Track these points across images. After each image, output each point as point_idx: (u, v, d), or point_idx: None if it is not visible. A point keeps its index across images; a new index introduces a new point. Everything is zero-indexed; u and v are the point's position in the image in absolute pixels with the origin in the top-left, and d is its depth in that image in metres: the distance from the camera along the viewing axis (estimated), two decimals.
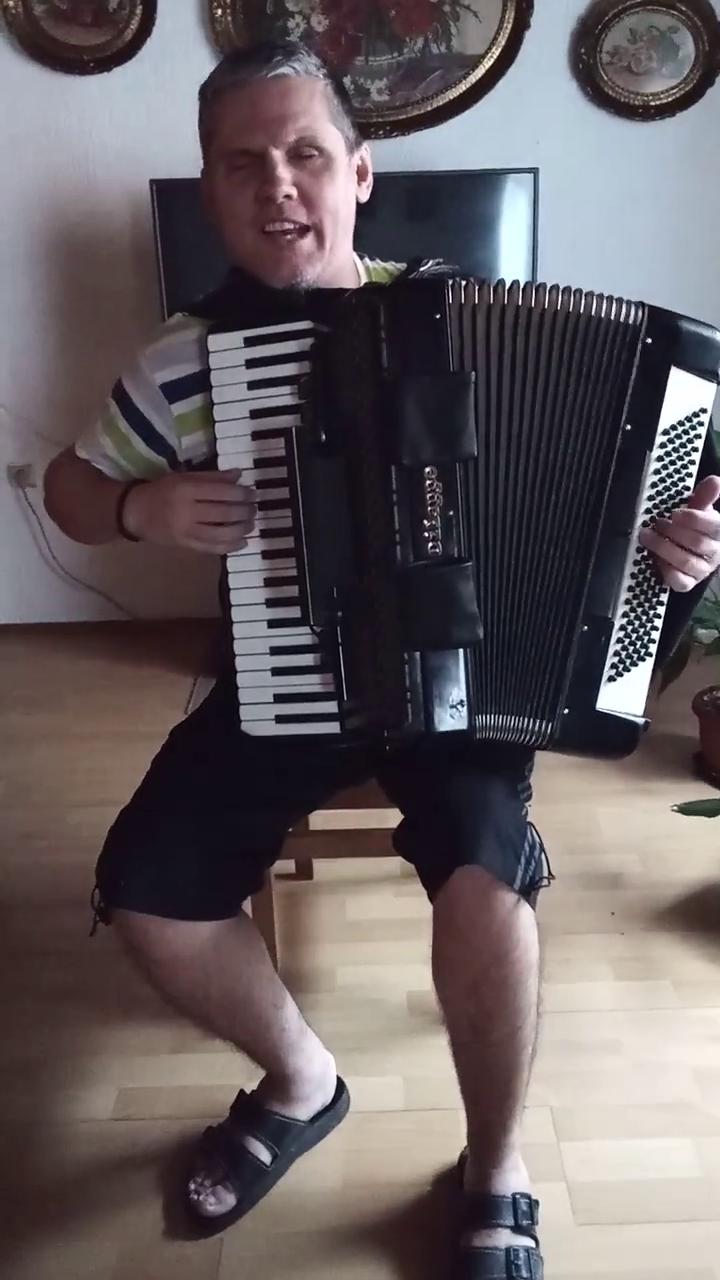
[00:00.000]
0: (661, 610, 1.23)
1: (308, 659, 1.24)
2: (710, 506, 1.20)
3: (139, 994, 1.44)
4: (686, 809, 2.04)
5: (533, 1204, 1.39)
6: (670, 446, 1.20)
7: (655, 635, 1.23)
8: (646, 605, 1.22)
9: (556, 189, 2.81)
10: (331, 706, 1.23)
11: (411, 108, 2.86)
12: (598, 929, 2.00)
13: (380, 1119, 1.60)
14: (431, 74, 2.84)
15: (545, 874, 1.26)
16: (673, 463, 1.20)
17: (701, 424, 1.21)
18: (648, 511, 1.20)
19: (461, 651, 1.19)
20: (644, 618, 1.23)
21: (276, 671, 1.26)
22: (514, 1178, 1.40)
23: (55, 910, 2.05)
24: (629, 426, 1.18)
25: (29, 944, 2.00)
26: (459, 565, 1.17)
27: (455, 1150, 1.50)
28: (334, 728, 1.23)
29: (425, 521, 1.16)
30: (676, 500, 1.21)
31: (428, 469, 1.16)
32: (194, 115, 1.30)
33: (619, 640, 1.22)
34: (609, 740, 1.24)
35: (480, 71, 2.83)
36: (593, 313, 1.17)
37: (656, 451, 1.19)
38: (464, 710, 1.19)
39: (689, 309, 1.22)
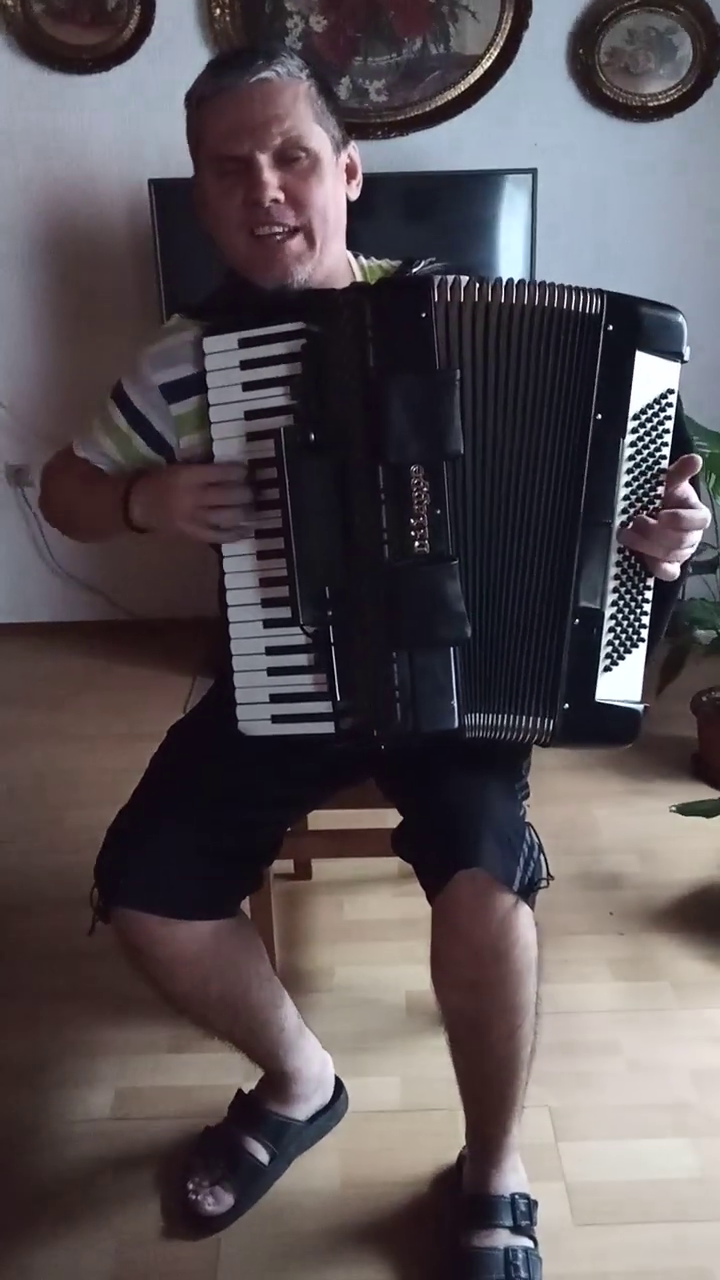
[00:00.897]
0: (649, 594, 1.23)
1: (302, 659, 1.24)
2: (686, 484, 1.21)
3: (137, 994, 1.44)
4: (685, 809, 2.04)
5: (531, 1204, 1.39)
6: (642, 431, 1.20)
7: (645, 620, 1.23)
8: (634, 592, 1.22)
9: (555, 189, 2.81)
10: (326, 706, 1.23)
11: (410, 108, 2.86)
12: (596, 929, 2.00)
13: (378, 1119, 1.60)
14: (430, 75, 2.84)
15: (544, 874, 1.26)
16: (645, 446, 1.20)
17: (670, 404, 1.21)
18: (626, 499, 1.20)
19: (450, 650, 1.19)
20: (633, 604, 1.23)
21: (272, 671, 1.26)
22: (512, 1178, 1.41)
23: (53, 910, 2.05)
24: (600, 416, 1.18)
25: (27, 943, 2.00)
26: (446, 564, 1.17)
27: (454, 1150, 1.49)
28: (328, 728, 1.24)
29: (412, 520, 1.17)
30: (653, 483, 1.21)
31: (414, 467, 1.16)
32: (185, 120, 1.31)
33: (610, 630, 1.22)
34: (612, 730, 1.24)
35: (479, 72, 2.83)
36: (555, 305, 1.18)
37: (629, 438, 1.19)
38: (453, 709, 1.19)
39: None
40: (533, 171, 2.74)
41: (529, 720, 1.23)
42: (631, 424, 1.19)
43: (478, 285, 1.17)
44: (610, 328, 1.17)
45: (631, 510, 1.20)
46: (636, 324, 1.18)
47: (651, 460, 1.21)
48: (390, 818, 1.36)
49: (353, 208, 1.34)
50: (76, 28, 2.79)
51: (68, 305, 3.06)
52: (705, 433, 2.41)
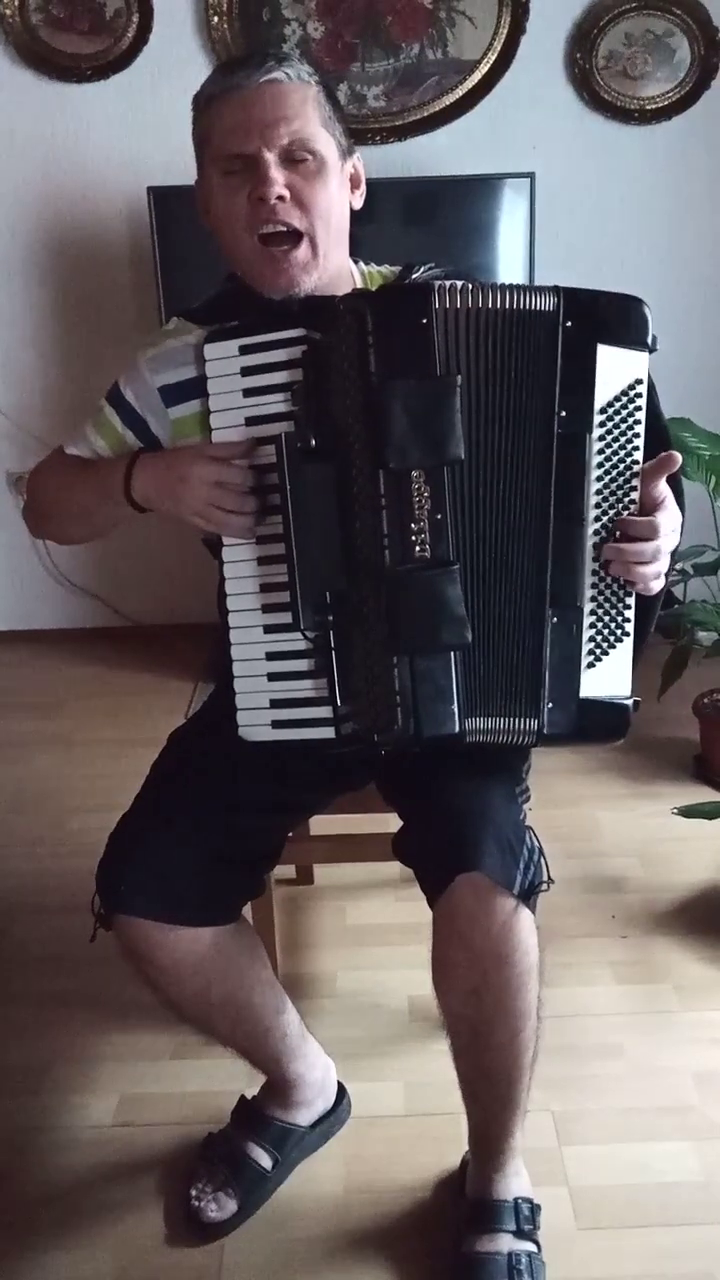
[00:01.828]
0: (631, 588, 1.24)
1: (303, 664, 1.24)
2: (662, 484, 1.21)
3: (139, 1000, 1.44)
4: (687, 812, 2.04)
5: (534, 1209, 1.39)
6: (610, 425, 1.20)
7: (629, 614, 1.23)
8: (614, 586, 1.22)
9: (553, 193, 2.82)
10: (326, 712, 1.23)
11: (408, 113, 2.87)
12: (598, 933, 1.99)
13: (381, 1124, 1.60)
14: (428, 80, 2.84)
15: (545, 878, 1.26)
16: (615, 439, 1.20)
17: (640, 395, 1.20)
18: (599, 493, 1.20)
19: (451, 654, 1.19)
20: (614, 599, 1.23)
21: (273, 677, 1.26)
22: (516, 1182, 1.40)
23: (55, 916, 2.05)
24: (564, 413, 1.18)
25: (29, 949, 2.00)
26: (446, 568, 1.17)
27: (456, 1155, 1.49)
28: (329, 733, 1.24)
29: (413, 525, 1.17)
30: (627, 477, 1.21)
31: (415, 473, 1.16)
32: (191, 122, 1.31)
33: (592, 626, 1.22)
34: (600, 726, 1.24)
35: (476, 77, 2.83)
36: (516, 305, 1.17)
37: (597, 432, 1.19)
38: (454, 713, 1.19)
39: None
40: (531, 175, 2.74)
41: (516, 721, 1.23)
42: (599, 418, 1.19)
43: (471, 291, 1.17)
44: (568, 324, 1.17)
45: (606, 505, 1.20)
46: (594, 317, 1.18)
47: (623, 453, 1.20)
48: (391, 822, 1.36)
49: (352, 214, 1.34)
50: (75, 36, 2.81)
51: (67, 312, 3.06)
52: (704, 434, 2.42)
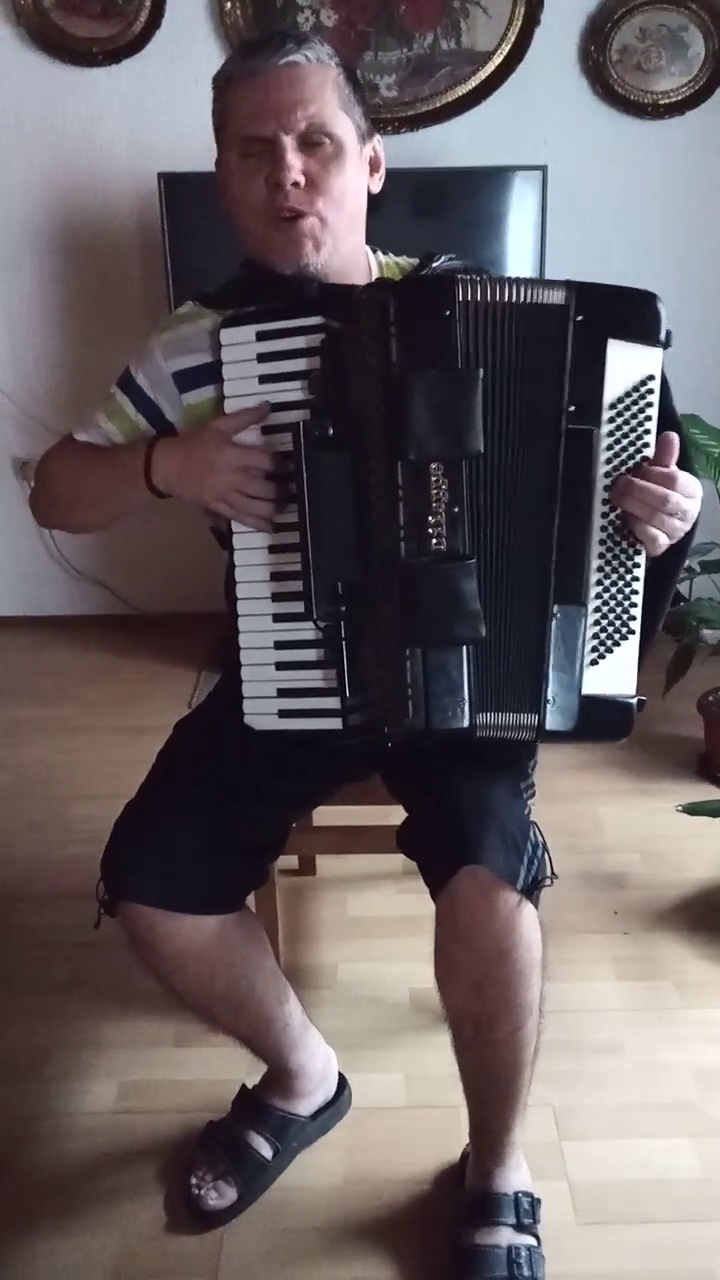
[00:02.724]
0: (638, 586, 1.22)
1: (311, 654, 1.24)
2: (673, 466, 1.19)
3: (142, 987, 1.44)
4: (690, 809, 2.04)
5: (534, 1202, 1.39)
6: (620, 420, 1.19)
7: (635, 612, 1.23)
8: (620, 584, 1.22)
9: (565, 186, 2.81)
10: (334, 702, 1.23)
11: (420, 104, 2.85)
12: (601, 929, 1.99)
13: (382, 1115, 1.60)
14: (441, 70, 2.83)
15: (548, 873, 1.26)
16: (625, 436, 1.19)
17: (651, 391, 1.19)
18: (606, 489, 1.19)
19: (464, 649, 1.19)
20: (619, 596, 1.22)
21: (280, 666, 1.26)
22: (516, 1176, 1.40)
23: (59, 903, 2.05)
24: (572, 408, 1.18)
25: (32, 936, 2.00)
26: (463, 562, 1.17)
27: (457, 1147, 1.50)
28: (336, 724, 1.23)
29: (430, 518, 1.16)
30: None
31: (433, 465, 1.15)
32: (203, 108, 1.30)
33: (596, 623, 1.21)
34: (602, 724, 1.23)
35: (490, 68, 2.81)
36: (527, 299, 1.17)
37: (606, 428, 1.18)
38: (465, 708, 1.19)
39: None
40: (543, 168, 2.73)
41: (519, 717, 1.22)
42: (608, 414, 1.18)
43: (491, 284, 1.16)
44: (579, 318, 1.17)
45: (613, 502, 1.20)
46: (605, 312, 1.17)
47: (633, 449, 1.20)
48: (395, 814, 1.36)
49: (371, 198, 1.33)
50: (87, 20, 2.79)
51: (76, 298, 3.06)
52: (713, 431, 2.41)
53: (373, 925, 2.00)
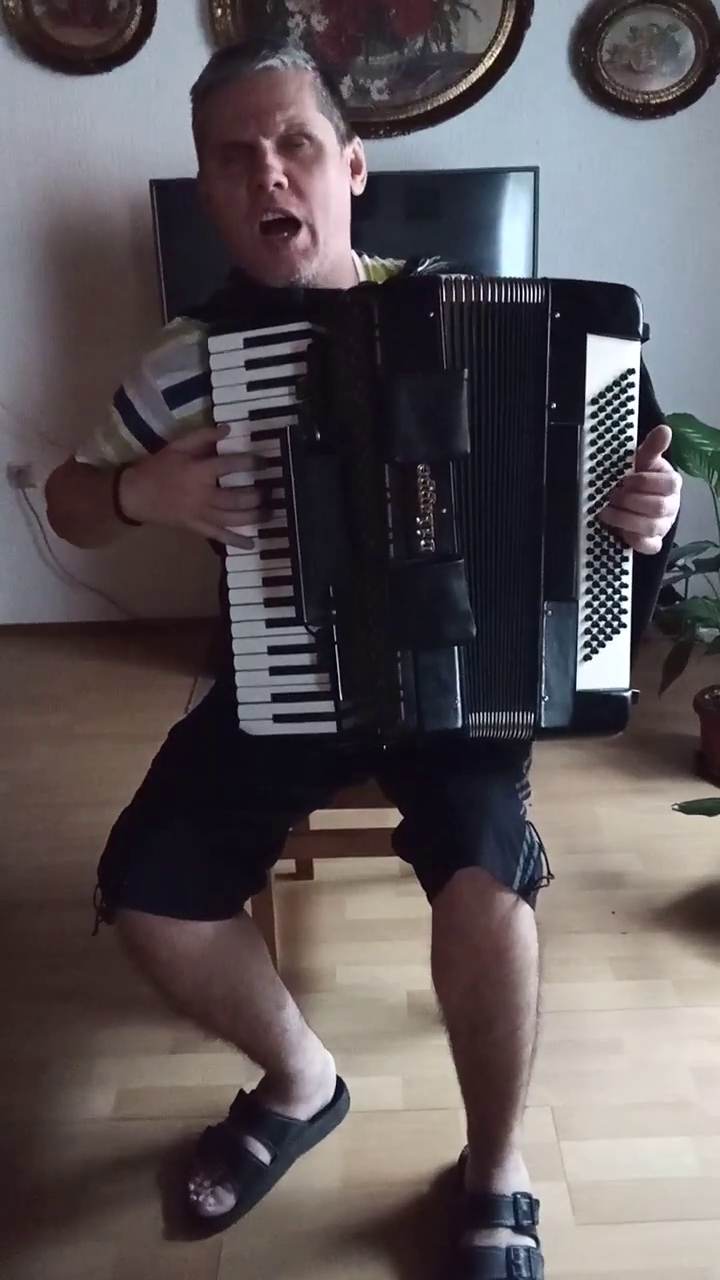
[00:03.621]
0: (627, 579, 1.23)
1: (305, 658, 1.24)
2: (659, 458, 1.20)
3: (139, 994, 1.44)
4: (687, 808, 2.04)
5: (533, 1203, 1.39)
6: (602, 415, 1.19)
7: (626, 605, 1.23)
8: (610, 578, 1.22)
9: (557, 187, 2.81)
10: (328, 706, 1.23)
11: (412, 107, 2.86)
12: (598, 928, 1.99)
13: (380, 1119, 1.60)
14: (432, 73, 2.84)
15: (544, 874, 1.26)
16: (608, 430, 1.20)
17: (632, 384, 1.20)
18: (591, 484, 1.20)
19: (455, 649, 1.19)
20: (609, 590, 1.22)
21: (274, 671, 1.26)
22: (514, 1177, 1.40)
23: (56, 910, 2.05)
24: (554, 404, 1.18)
25: (30, 943, 2.00)
26: (452, 562, 1.17)
27: (455, 1150, 1.49)
28: (331, 727, 1.23)
29: (418, 519, 1.17)
30: (620, 468, 1.20)
31: (420, 466, 1.16)
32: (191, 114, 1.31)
33: (587, 618, 1.22)
34: (598, 718, 1.24)
35: (480, 70, 2.82)
36: (506, 298, 1.17)
37: (589, 423, 1.19)
38: (457, 708, 1.19)
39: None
40: (535, 169, 2.74)
41: (514, 716, 1.22)
42: (590, 409, 1.19)
43: (472, 285, 1.16)
44: (557, 315, 1.17)
45: (600, 496, 1.20)
46: (582, 307, 1.18)
47: (616, 444, 1.20)
48: (392, 817, 1.36)
49: (355, 206, 1.34)
50: (78, 29, 2.80)
51: (69, 305, 3.06)
52: (707, 430, 2.41)
53: (370, 928, 2.00)
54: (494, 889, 1.19)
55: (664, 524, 1.20)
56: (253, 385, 1.22)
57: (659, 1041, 1.74)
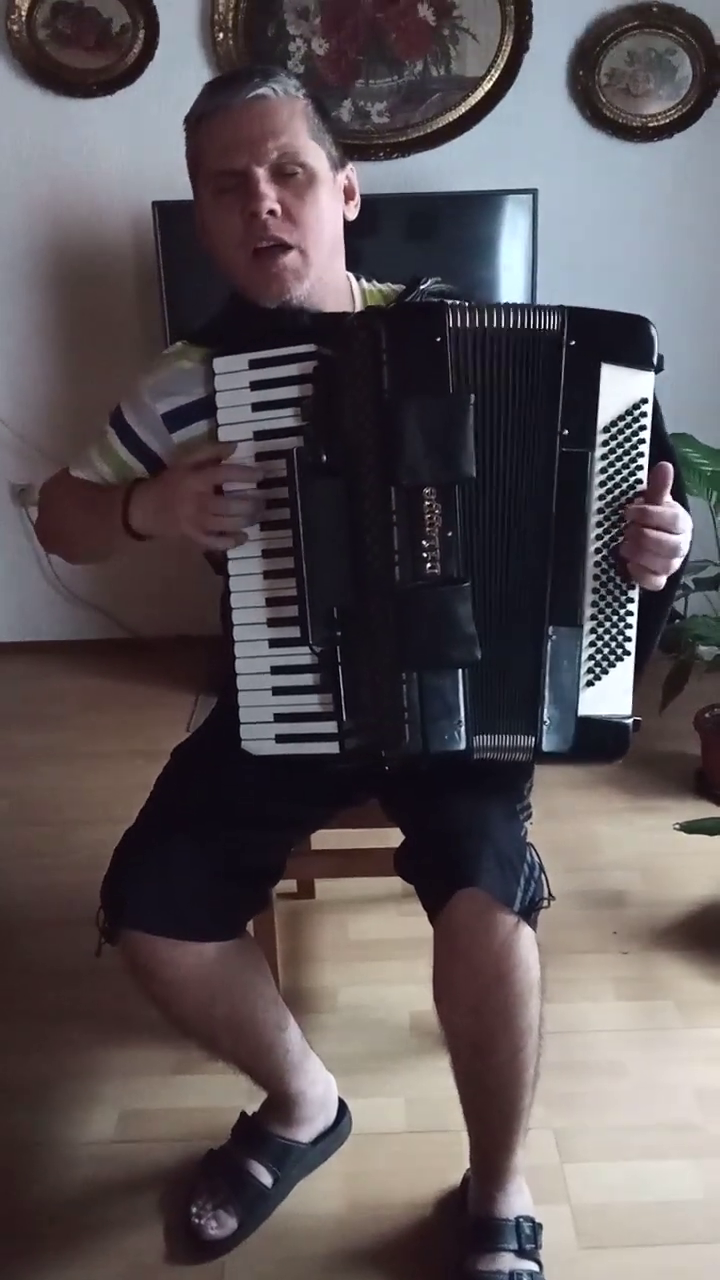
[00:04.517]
0: (633, 607, 1.24)
1: (308, 679, 1.24)
2: (667, 496, 1.21)
3: (141, 1015, 1.43)
4: (688, 827, 2.04)
5: (536, 1227, 1.39)
6: (613, 444, 1.20)
7: (631, 633, 1.24)
8: (615, 605, 1.23)
9: (555, 210, 2.83)
10: (331, 726, 1.23)
11: (411, 130, 2.88)
12: (599, 948, 1.99)
13: (382, 1141, 1.60)
14: (431, 96, 2.86)
15: (545, 895, 1.26)
16: (619, 459, 1.21)
17: (645, 414, 1.21)
18: (600, 511, 1.21)
19: (459, 671, 1.19)
20: (614, 618, 1.23)
21: (277, 691, 1.26)
22: (517, 1200, 1.40)
23: (58, 930, 2.04)
24: (566, 431, 1.19)
25: (31, 963, 1.99)
26: (457, 585, 1.18)
27: (458, 1172, 1.49)
28: (334, 748, 1.24)
29: (424, 542, 1.17)
30: (630, 497, 1.21)
31: (426, 490, 1.17)
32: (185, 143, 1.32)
33: (591, 644, 1.22)
34: (598, 745, 1.24)
35: (479, 94, 2.85)
36: (521, 325, 1.18)
37: (599, 451, 1.20)
38: (462, 730, 1.20)
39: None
40: (533, 192, 2.75)
41: (516, 739, 1.23)
42: (601, 437, 1.20)
43: (480, 310, 1.18)
44: (572, 343, 1.18)
45: (608, 524, 1.21)
46: (598, 337, 1.19)
47: (626, 473, 1.21)
48: (394, 837, 1.36)
49: (354, 228, 1.35)
50: (81, 52, 2.82)
51: (72, 325, 3.08)
52: (706, 450, 2.42)
53: (372, 949, 2.00)
54: (494, 910, 1.19)
55: (673, 563, 1.21)
56: (258, 406, 1.23)
57: (662, 1063, 1.73)
